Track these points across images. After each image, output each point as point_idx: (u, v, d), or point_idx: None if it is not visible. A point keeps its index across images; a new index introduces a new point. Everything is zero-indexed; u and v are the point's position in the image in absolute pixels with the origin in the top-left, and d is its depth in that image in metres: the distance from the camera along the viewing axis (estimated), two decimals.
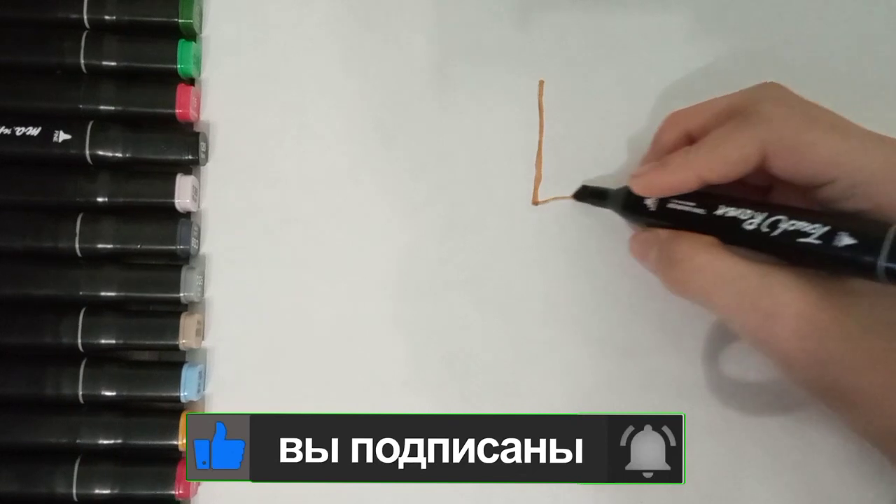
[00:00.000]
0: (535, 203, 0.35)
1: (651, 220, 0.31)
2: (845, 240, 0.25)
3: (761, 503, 0.33)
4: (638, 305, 0.34)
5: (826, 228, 0.26)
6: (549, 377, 0.34)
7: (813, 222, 0.26)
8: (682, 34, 0.36)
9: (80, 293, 0.33)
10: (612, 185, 0.34)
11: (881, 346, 0.27)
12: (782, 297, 0.27)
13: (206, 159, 0.35)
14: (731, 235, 0.28)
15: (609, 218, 0.34)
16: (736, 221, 0.28)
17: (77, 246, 0.33)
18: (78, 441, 0.32)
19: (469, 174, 0.35)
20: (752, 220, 0.28)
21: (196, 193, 0.35)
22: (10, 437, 0.33)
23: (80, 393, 0.32)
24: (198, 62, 0.35)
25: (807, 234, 0.26)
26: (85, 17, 0.34)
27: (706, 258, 0.28)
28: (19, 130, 0.33)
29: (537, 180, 0.35)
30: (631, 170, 0.34)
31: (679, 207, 0.30)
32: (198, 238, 0.35)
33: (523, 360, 0.34)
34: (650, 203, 0.31)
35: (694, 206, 0.29)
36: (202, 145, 0.35)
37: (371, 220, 0.35)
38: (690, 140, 0.31)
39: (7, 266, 0.33)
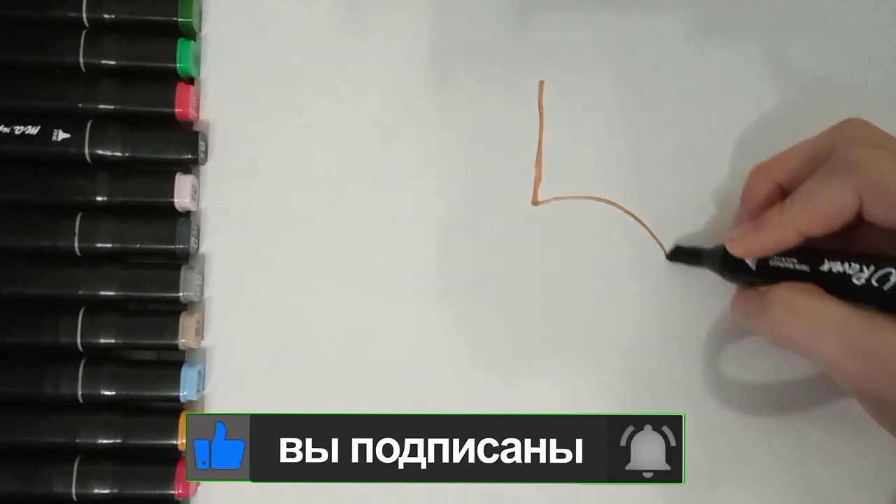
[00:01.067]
0: (535, 203, 0.35)
1: (752, 279, 0.30)
2: None
3: (761, 503, 0.34)
4: (638, 305, 0.34)
5: None
6: (549, 377, 0.34)
7: None
8: (682, 34, 0.36)
9: (80, 292, 0.33)
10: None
11: None
12: (891, 342, 0.25)
13: (206, 158, 0.35)
14: (838, 290, 0.27)
15: (609, 218, 0.35)
16: (844, 276, 0.27)
17: (76, 245, 0.33)
18: (77, 440, 0.32)
19: (469, 174, 0.35)
20: (861, 274, 0.27)
21: (195, 193, 0.34)
22: (9, 437, 0.32)
23: (80, 392, 0.32)
24: (197, 61, 0.35)
25: None
26: (84, 15, 0.34)
27: (804, 301, 0.27)
28: (18, 129, 0.33)
29: (537, 180, 0.35)
30: (632, 179, 0.34)
31: (781, 265, 0.29)
32: (197, 237, 0.35)
33: (523, 360, 0.34)
34: (750, 262, 0.29)
35: (797, 263, 0.28)
36: (201, 144, 0.34)
37: (371, 220, 0.35)
38: (782, 192, 0.30)
39: (6, 265, 0.33)
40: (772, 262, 0.29)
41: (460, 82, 0.35)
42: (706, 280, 0.33)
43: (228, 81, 0.35)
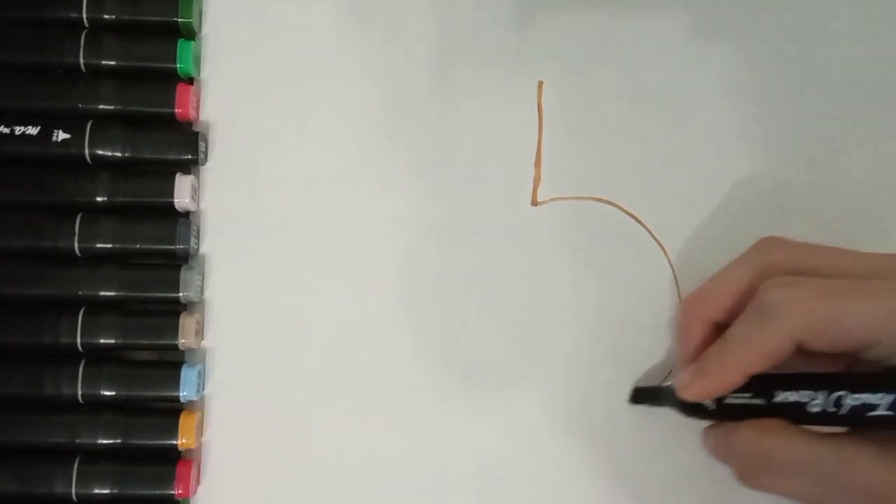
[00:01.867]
0: (535, 203, 0.35)
1: (714, 418, 0.30)
2: None
3: (761, 503, 0.33)
4: (638, 305, 0.34)
5: (893, 398, 0.25)
6: (549, 377, 0.34)
7: (876, 391, 0.25)
8: (682, 34, 0.36)
9: (80, 293, 0.33)
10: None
11: None
12: (869, 471, 0.25)
13: (206, 159, 0.35)
14: (796, 419, 0.27)
15: (609, 218, 0.35)
16: (798, 406, 0.27)
17: (76, 245, 0.33)
18: (77, 441, 0.32)
19: (469, 174, 0.35)
20: (815, 401, 0.26)
21: (195, 193, 0.35)
22: (9, 437, 0.32)
23: (80, 392, 0.32)
24: (197, 61, 0.35)
25: (875, 407, 0.25)
26: (84, 16, 0.34)
27: (772, 444, 0.26)
28: (18, 129, 0.33)
29: (537, 181, 0.35)
30: (632, 179, 0.34)
31: (737, 402, 0.28)
32: (197, 238, 0.35)
33: (523, 360, 0.34)
34: (708, 403, 0.29)
35: (751, 398, 0.28)
36: (201, 145, 0.34)
37: (371, 220, 0.35)
38: (717, 327, 0.29)
39: (6, 266, 0.33)
40: (727, 401, 0.29)
41: (460, 82, 0.35)
42: None
43: (228, 82, 0.35)
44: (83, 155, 0.33)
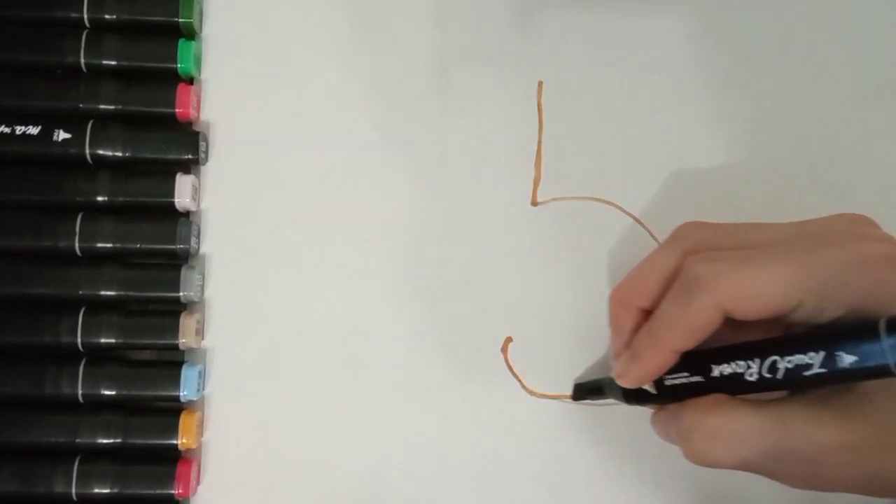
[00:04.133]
0: (535, 203, 0.35)
1: (658, 402, 0.30)
2: (847, 358, 0.25)
3: (761, 503, 0.33)
4: None
5: (823, 354, 0.25)
6: (549, 377, 0.34)
7: (806, 351, 0.26)
8: (683, 34, 0.36)
9: (80, 292, 0.33)
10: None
11: None
12: (809, 436, 0.26)
13: (206, 159, 0.35)
14: (737, 390, 0.27)
15: (609, 217, 0.35)
16: (736, 376, 0.27)
17: (77, 245, 0.33)
18: (77, 440, 0.32)
19: (469, 174, 0.35)
20: (751, 370, 0.27)
21: (196, 193, 0.35)
22: (9, 437, 0.32)
23: (80, 392, 0.32)
24: (198, 62, 0.35)
25: (809, 366, 0.25)
26: (85, 16, 0.34)
27: (715, 421, 0.27)
28: (19, 129, 0.33)
29: (536, 180, 0.35)
30: (632, 179, 0.34)
31: (676, 382, 0.29)
32: (197, 237, 0.35)
33: (523, 360, 0.34)
34: (649, 388, 0.30)
35: (689, 376, 0.28)
36: (202, 145, 0.35)
37: (371, 220, 0.35)
38: (646, 314, 0.30)
39: (7, 265, 0.33)
40: (667, 383, 0.29)
41: (460, 82, 0.35)
42: None
43: (229, 82, 0.36)
44: (84, 155, 0.33)
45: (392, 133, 0.35)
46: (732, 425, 0.26)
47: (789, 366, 0.26)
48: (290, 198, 0.35)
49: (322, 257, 0.35)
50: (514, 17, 0.36)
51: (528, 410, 0.34)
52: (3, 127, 0.33)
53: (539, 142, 0.35)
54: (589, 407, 0.34)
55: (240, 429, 0.34)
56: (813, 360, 0.25)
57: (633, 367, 0.29)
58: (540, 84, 0.35)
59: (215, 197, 0.35)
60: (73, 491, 0.32)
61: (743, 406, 0.27)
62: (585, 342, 0.34)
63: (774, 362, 0.26)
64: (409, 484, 0.34)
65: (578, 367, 0.34)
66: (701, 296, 0.27)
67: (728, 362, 0.27)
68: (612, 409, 0.34)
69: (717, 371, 0.27)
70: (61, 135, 0.33)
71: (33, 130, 0.33)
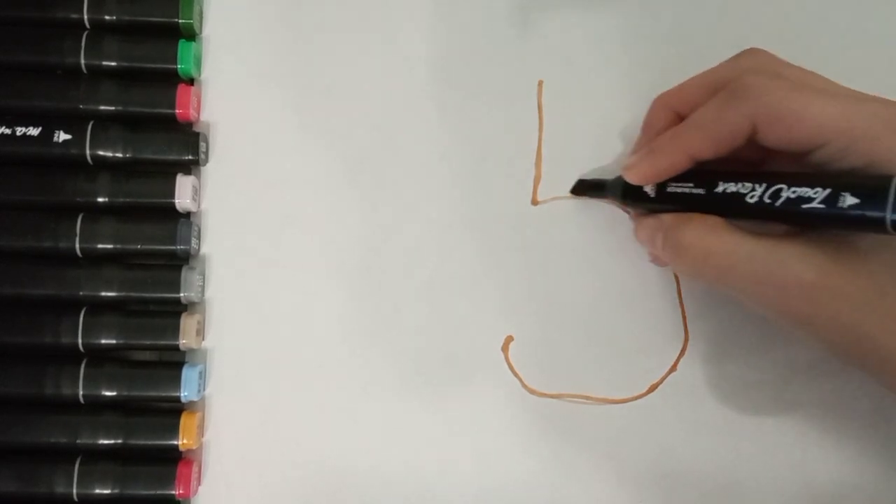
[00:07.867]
0: (535, 203, 0.35)
1: (653, 206, 0.31)
2: (849, 199, 0.25)
3: (760, 503, 0.34)
4: (638, 305, 0.34)
5: (828, 191, 0.26)
6: (549, 376, 0.34)
7: (813, 186, 0.26)
8: (682, 34, 0.36)
9: (81, 293, 0.33)
10: (611, 175, 0.34)
11: None
12: (794, 269, 0.27)
13: (207, 159, 0.35)
14: (734, 211, 0.28)
15: (609, 217, 0.35)
16: (737, 196, 0.28)
17: (77, 246, 0.33)
18: (78, 441, 0.32)
19: (469, 174, 0.35)
20: (753, 192, 0.27)
21: (196, 193, 0.35)
22: (10, 437, 0.33)
23: (81, 393, 0.32)
24: (198, 62, 0.35)
25: (810, 200, 0.26)
26: (85, 16, 0.34)
27: (713, 241, 0.28)
28: (20, 130, 0.33)
29: (537, 180, 0.35)
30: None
31: (678, 190, 0.30)
32: (198, 238, 0.35)
33: (523, 359, 0.34)
34: (649, 190, 0.30)
35: (693, 187, 0.29)
36: (202, 145, 0.35)
37: (370, 220, 0.35)
38: (680, 120, 0.30)
39: (7, 266, 0.33)
40: (669, 189, 0.30)
41: (460, 82, 0.35)
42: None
43: (229, 82, 0.36)
44: (84, 155, 0.33)
45: (392, 133, 0.35)
46: (729, 247, 0.27)
47: (791, 195, 0.26)
48: (290, 198, 0.35)
49: (322, 257, 0.35)
50: (515, 16, 0.36)
51: (528, 410, 0.34)
52: (3, 128, 0.33)
53: (539, 142, 0.35)
54: (589, 406, 0.34)
55: (240, 429, 0.34)
56: (816, 195, 0.26)
57: (646, 162, 0.30)
58: (540, 84, 0.35)
59: (215, 198, 0.35)
60: (75, 491, 0.32)
61: (739, 231, 0.28)
62: (585, 342, 0.34)
63: (779, 190, 0.27)
64: (409, 484, 0.34)
65: (579, 367, 0.34)
66: (738, 104, 0.27)
67: (735, 181, 0.28)
68: (612, 409, 0.34)
69: (720, 187, 0.28)
70: (62, 136, 0.33)
71: (34, 131, 0.33)
